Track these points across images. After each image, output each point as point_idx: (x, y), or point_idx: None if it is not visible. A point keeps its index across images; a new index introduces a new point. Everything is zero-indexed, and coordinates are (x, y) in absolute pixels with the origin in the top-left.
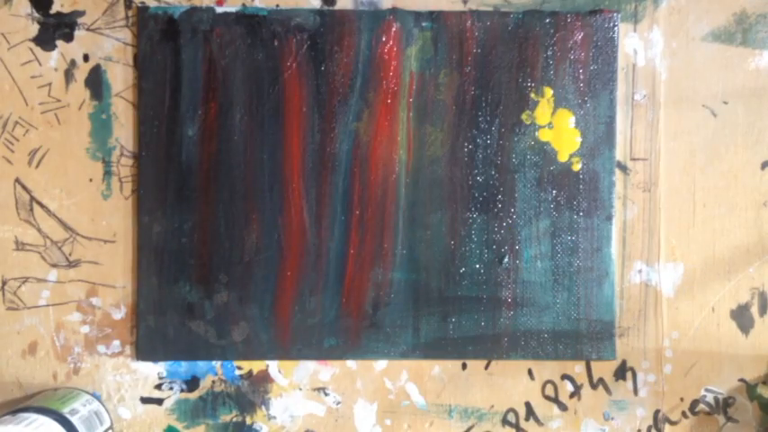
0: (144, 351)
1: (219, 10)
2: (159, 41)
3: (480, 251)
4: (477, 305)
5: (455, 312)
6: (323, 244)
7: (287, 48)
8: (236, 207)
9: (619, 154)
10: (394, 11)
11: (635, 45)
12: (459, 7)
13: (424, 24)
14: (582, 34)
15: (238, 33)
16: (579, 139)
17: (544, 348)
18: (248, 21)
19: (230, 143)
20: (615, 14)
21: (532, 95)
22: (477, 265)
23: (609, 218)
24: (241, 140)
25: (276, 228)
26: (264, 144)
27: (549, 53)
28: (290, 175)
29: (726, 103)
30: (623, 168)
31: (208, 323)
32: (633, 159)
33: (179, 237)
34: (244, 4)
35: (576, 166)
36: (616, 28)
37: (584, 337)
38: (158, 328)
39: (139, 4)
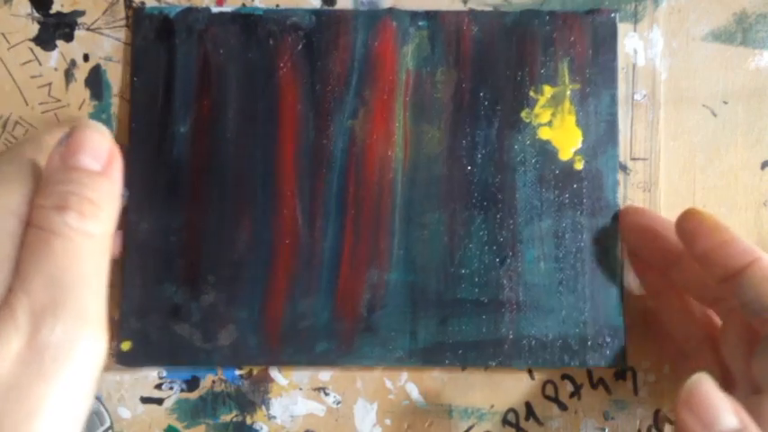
0: (125, 356)
1: (215, 10)
2: (154, 40)
3: (480, 252)
4: (478, 308)
5: (454, 316)
6: (316, 244)
7: (282, 46)
8: (228, 205)
9: (619, 154)
10: (390, 11)
11: (635, 45)
12: (459, 6)
13: (420, 23)
14: (581, 33)
15: (233, 32)
16: (581, 138)
17: (549, 355)
18: (244, 20)
19: (223, 140)
20: (614, 13)
21: (531, 93)
22: (477, 267)
23: (615, 218)
24: (234, 138)
25: (268, 227)
26: (258, 141)
27: (549, 51)
28: (283, 173)
29: (726, 103)
30: (623, 168)
31: (193, 326)
32: (633, 159)
33: (167, 235)
34: (243, 4)
35: (579, 165)
36: (615, 26)
37: (590, 343)
38: (141, 331)
39: (139, 4)
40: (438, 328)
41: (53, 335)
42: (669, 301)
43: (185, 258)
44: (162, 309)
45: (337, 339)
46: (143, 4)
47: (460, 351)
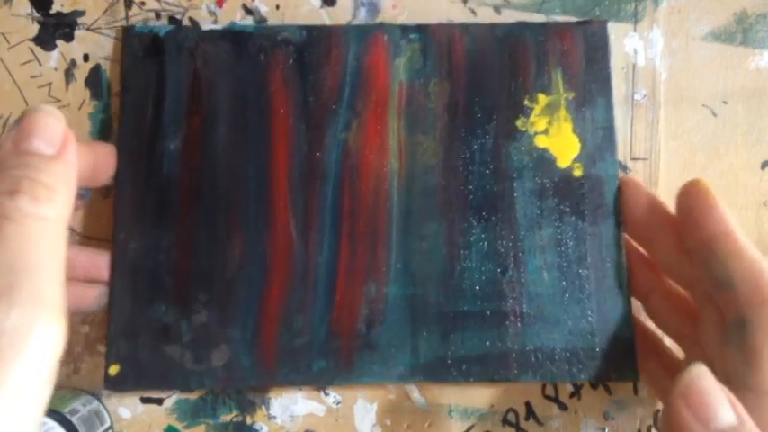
0: (113, 380)
1: (205, 28)
2: (143, 58)
3: (481, 263)
4: (481, 321)
5: (457, 329)
6: (311, 258)
7: (273, 60)
8: (219, 221)
9: (619, 154)
10: (381, 25)
11: (635, 45)
12: (460, 6)
13: (411, 36)
14: (573, 42)
15: (224, 48)
16: (578, 145)
17: (557, 368)
18: (234, 37)
19: (214, 156)
20: (605, 23)
21: (526, 102)
22: (479, 278)
23: (618, 225)
24: (225, 153)
25: (261, 242)
26: (250, 156)
27: (542, 61)
28: (276, 188)
29: (726, 103)
30: (623, 168)
31: (184, 346)
32: (633, 159)
33: (157, 253)
34: (244, 5)
35: (578, 172)
36: (607, 36)
37: (599, 355)
38: (130, 354)
39: (139, 4)
40: (440, 342)
41: (9, 320)
42: (660, 301)
43: (175, 277)
44: (151, 329)
45: (335, 357)
46: (143, 4)
47: (464, 366)
